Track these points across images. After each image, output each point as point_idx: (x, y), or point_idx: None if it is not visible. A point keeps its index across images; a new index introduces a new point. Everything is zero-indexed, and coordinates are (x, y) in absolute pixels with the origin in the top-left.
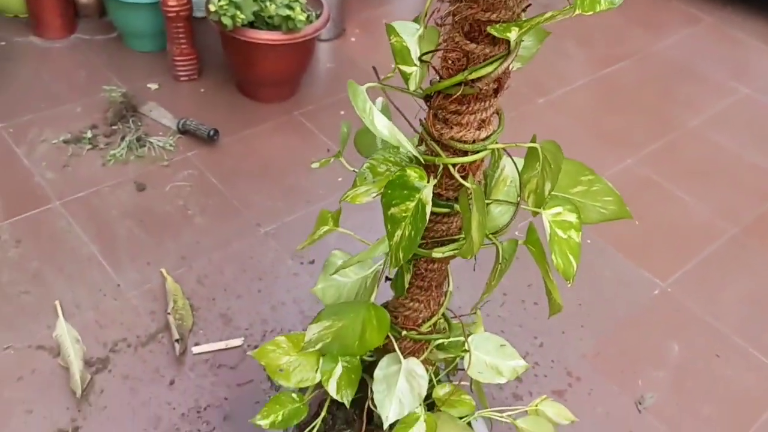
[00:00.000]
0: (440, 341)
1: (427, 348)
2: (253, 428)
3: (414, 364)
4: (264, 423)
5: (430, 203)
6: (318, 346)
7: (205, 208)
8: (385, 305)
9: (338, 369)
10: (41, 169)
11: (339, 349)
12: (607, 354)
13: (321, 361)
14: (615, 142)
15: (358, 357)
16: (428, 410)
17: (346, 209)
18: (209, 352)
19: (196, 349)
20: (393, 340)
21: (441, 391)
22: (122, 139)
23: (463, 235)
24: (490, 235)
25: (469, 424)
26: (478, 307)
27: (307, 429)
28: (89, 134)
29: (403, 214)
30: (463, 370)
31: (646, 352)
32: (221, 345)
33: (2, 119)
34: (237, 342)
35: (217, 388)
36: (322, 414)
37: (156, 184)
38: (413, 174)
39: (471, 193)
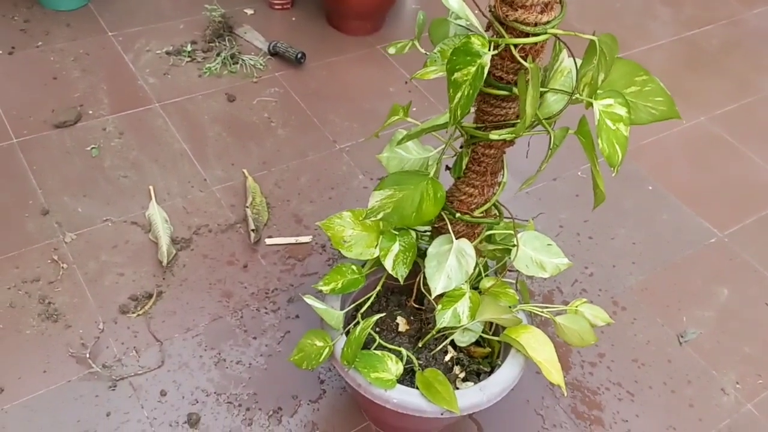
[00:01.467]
0: (491, 231)
1: (478, 233)
2: (311, 312)
3: (464, 244)
4: (326, 288)
5: (488, 64)
6: (380, 216)
7: (287, 121)
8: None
9: (395, 246)
10: (145, 74)
11: (398, 219)
12: (655, 289)
13: (381, 238)
14: (690, 100)
15: (414, 237)
16: None
17: (418, 111)
18: (280, 244)
19: (269, 241)
20: (447, 221)
21: (487, 283)
22: (218, 55)
23: (518, 120)
24: (543, 121)
25: None
26: (529, 183)
27: (363, 298)
28: (189, 48)
29: (464, 78)
30: (511, 270)
31: (693, 292)
32: (291, 240)
33: (115, 29)
34: (306, 239)
35: (284, 275)
36: (378, 287)
37: (245, 97)
38: (476, 41)
39: (529, 72)
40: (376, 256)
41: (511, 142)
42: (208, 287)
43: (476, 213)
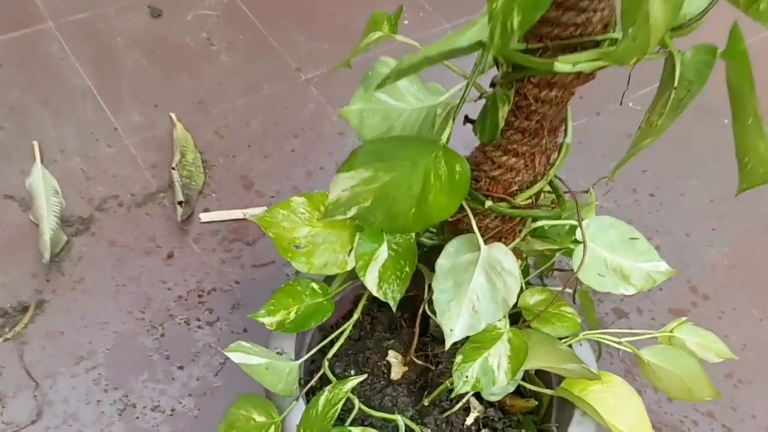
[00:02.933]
0: (543, 222)
1: (520, 231)
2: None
3: (500, 253)
4: (269, 321)
5: None
6: (351, 213)
7: (233, 44)
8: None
9: (382, 252)
10: None
11: (383, 218)
12: (746, 267)
13: (357, 237)
14: None
15: (413, 236)
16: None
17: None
18: (222, 221)
19: (204, 217)
20: (470, 214)
21: (531, 299)
22: None
23: (609, 33)
24: (667, 35)
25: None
26: (610, 177)
27: (334, 333)
28: None
29: None
30: (561, 270)
31: None
32: (238, 214)
33: None
34: (258, 211)
35: (227, 267)
36: (355, 316)
37: (175, 11)
38: None
39: None
40: (350, 267)
41: (590, 77)
42: (115, 291)
43: (520, 198)
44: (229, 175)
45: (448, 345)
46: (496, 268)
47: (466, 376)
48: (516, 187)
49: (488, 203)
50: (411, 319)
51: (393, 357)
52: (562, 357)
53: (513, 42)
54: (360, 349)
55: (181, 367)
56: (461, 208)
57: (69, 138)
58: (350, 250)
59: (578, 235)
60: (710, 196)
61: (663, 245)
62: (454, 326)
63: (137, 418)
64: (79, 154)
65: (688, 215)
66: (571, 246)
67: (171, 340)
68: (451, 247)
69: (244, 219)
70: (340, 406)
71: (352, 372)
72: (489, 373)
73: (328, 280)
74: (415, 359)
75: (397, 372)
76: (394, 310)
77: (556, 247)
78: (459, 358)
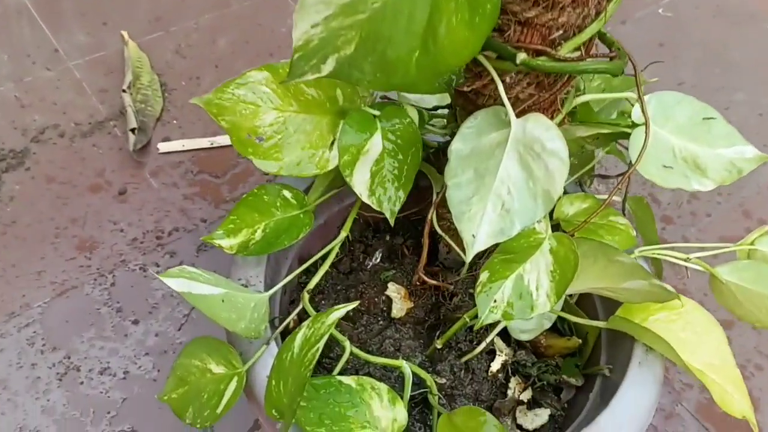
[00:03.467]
0: (591, 96)
1: (562, 100)
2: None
3: (540, 128)
4: (228, 244)
5: None
6: (327, 68)
7: None
8: None
9: (374, 143)
10: None
11: (374, 70)
12: None
13: (341, 125)
14: None
15: (414, 118)
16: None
17: None
18: (184, 151)
19: (164, 147)
20: (495, 77)
21: (570, 208)
22: None
23: None
24: None
25: None
26: None
27: (315, 257)
28: None
29: None
30: (604, 177)
31: None
32: (204, 142)
33: None
34: (229, 139)
35: (191, 204)
36: (342, 234)
37: None
38: None
39: None
40: (333, 166)
41: None
42: (54, 236)
43: (565, 50)
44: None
45: (469, 256)
46: (533, 148)
47: (494, 301)
48: (558, 34)
49: (521, 56)
50: (416, 246)
51: (394, 291)
52: (624, 272)
53: None
54: (352, 284)
55: (135, 322)
56: (482, 72)
57: (0, 62)
58: (332, 143)
59: (635, 116)
60: (758, 109)
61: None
62: (477, 231)
63: (81, 383)
64: (11, 79)
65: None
66: (627, 130)
67: (123, 291)
68: (470, 125)
69: (212, 148)
70: (321, 344)
71: None
72: (526, 296)
73: (304, 186)
74: (425, 277)
75: (399, 309)
76: (391, 222)
77: (608, 131)
78: (484, 275)
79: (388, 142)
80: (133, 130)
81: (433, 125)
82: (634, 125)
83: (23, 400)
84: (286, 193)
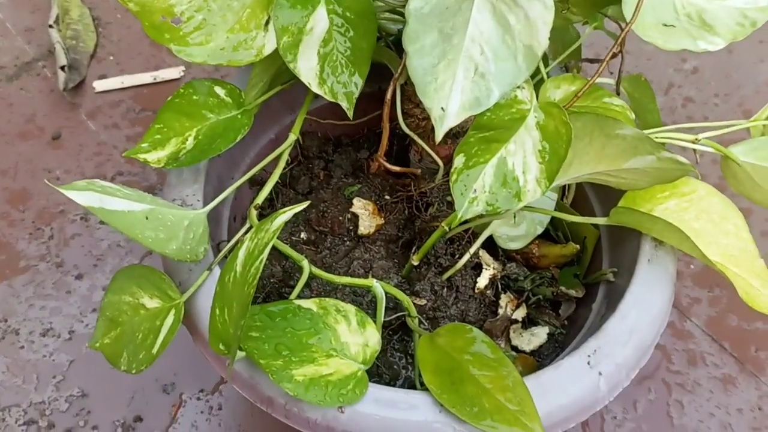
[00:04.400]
0: None
1: None
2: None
3: None
4: (154, 158)
5: None
6: None
7: None
8: None
9: (319, 19)
10: None
11: None
12: None
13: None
14: None
15: None
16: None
17: None
18: (124, 89)
19: (100, 85)
20: None
21: (557, 92)
22: None
23: None
24: None
25: None
26: None
27: (261, 163)
28: None
29: None
30: (592, 62)
31: None
32: (146, 78)
33: None
34: (174, 73)
35: (135, 145)
36: (291, 138)
37: None
38: None
39: None
40: (270, 51)
41: None
42: None
43: None
44: (131, 34)
45: (439, 135)
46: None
47: (474, 190)
48: None
49: None
50: (376, 154)
51: (360, 207)
52: (627, 147)
53: None
54: (312, 203)
55: (79, 276)
56: None
57: None
58: (266, 22)
59: None
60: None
61: (701, 67)
62: (446, 103)
63: (22, 347)
64: None
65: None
66: None
67: (63, 244)
68: None
69: (155, 83)
70: (265, 255)
71: (302, 235)
72: (511, 182)
73: (239, 80)
74: (385, 163)
75: (368, 225)
76: (350, 112)
77: None
78: (459, 159)
79: (335, 16)
80: (63, 68)
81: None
82: None
83: None
84: (219, 90)
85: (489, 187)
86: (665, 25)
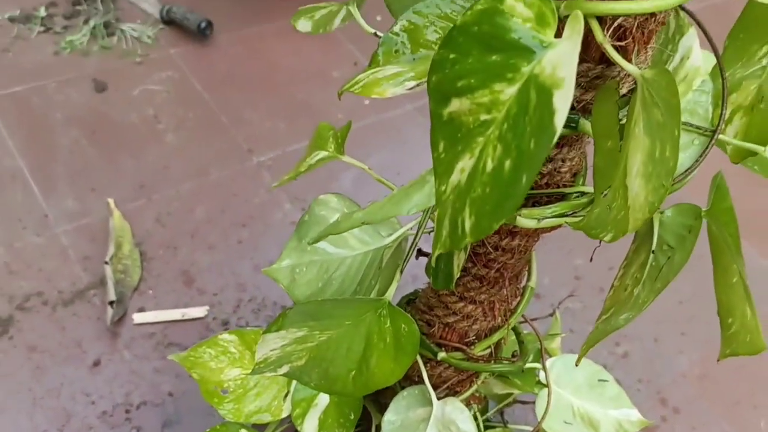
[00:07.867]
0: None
1: (477, 377)
2: None
3: (455, 411)
4: None
5: (569, 89)
6: (282, 371)
7: (182, 122)
8: (411, 301)
9: (323, 398)
10: None
11: (320, 380)
12: (717, 376)
13: (294, 384)
14: None
15: None
16: None
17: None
18: (157, 323)
19: (138, 318)
20: (421, 365)
21: None
22: (85, 22)
23: (578, 185)
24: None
25: None
26: (579, 360)
27: None
28: (43, 12)
29: (486, 117)
30: (524, 403)
31: None
32: (176, 314)
33: None
34: (199, 312)
35: (161, 377)
36: None
37: (121, 85)
38: (520, 11)
39: (639, 88)
40: (286, 415)
41: (553, 228)
42: (31, 406)
43: (478, 348)
44: (169, 270)
45: None
46: (450, 428)
47: None
48: (473, 336)
49: (441, 354)
50: None
51: None
52: None
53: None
54: None
55: None
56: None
57: None
58: (286, 395)
59: (542, 377)
60: (678, 297)
61: (632, 352)
62: None
63: None
64: (2, 243)
65: (657, 318)
66: (535, 390)
67: None
68: (402, 399)
69: (183, 320)
70: None
71: None
72: None
73: (260, 428)
74: None
75: None
76: None
77: (518, 391)
78: None
79: (334, 396)
80: (111, 303)
81: None
82: (540, 385)
83: None
84: None
85: None
86: (566, 423)
